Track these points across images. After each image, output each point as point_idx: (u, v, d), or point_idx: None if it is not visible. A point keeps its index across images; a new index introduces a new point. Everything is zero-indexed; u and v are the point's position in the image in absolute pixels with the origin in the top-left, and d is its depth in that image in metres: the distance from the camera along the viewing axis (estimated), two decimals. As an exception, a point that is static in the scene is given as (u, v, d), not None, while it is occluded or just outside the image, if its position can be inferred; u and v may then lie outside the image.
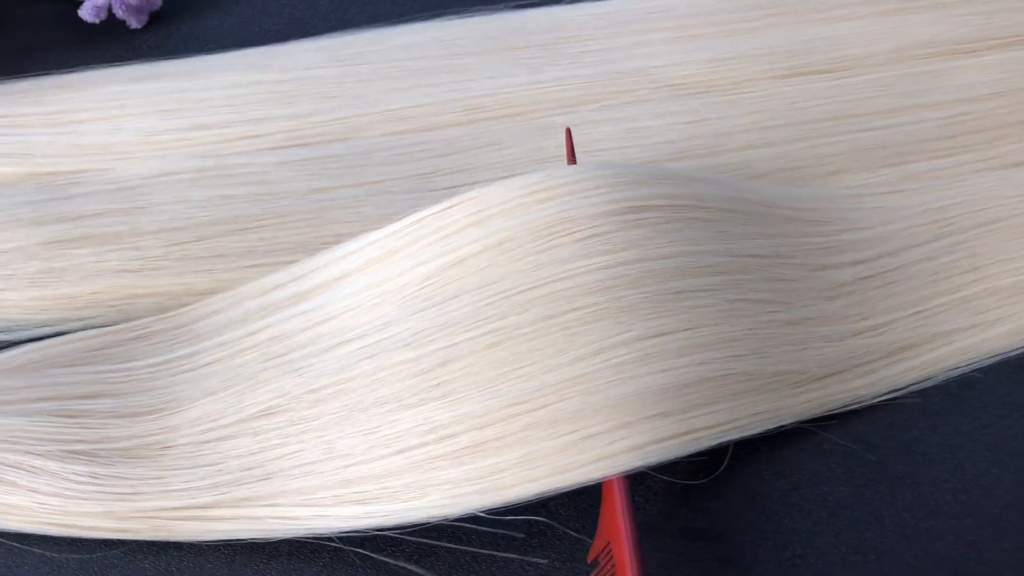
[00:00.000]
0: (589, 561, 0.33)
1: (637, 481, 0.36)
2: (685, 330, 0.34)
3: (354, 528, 0.34)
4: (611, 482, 0.32)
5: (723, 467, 0.36)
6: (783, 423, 0.35)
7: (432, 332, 0.34)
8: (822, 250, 0.40)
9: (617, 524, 0.31)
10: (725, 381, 0.34)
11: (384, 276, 0.36)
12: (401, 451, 0.33)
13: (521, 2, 0.51)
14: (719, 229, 0.37)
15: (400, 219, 0.37)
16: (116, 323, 0.39)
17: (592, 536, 0.33)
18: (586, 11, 0.51)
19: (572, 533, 0.35)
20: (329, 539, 0.34)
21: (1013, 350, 0.40)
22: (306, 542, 0.35)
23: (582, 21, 0.50)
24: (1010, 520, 0.36)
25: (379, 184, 0.43)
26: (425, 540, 0.34)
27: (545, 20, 0.50)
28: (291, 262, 0.40)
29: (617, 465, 0.32)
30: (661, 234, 0.35)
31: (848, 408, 0.37)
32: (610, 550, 0.32)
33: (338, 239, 0.41)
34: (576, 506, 0.35)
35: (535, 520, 0.34)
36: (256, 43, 0.49)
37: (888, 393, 0.38)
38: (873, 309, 0.39)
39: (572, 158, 0.39)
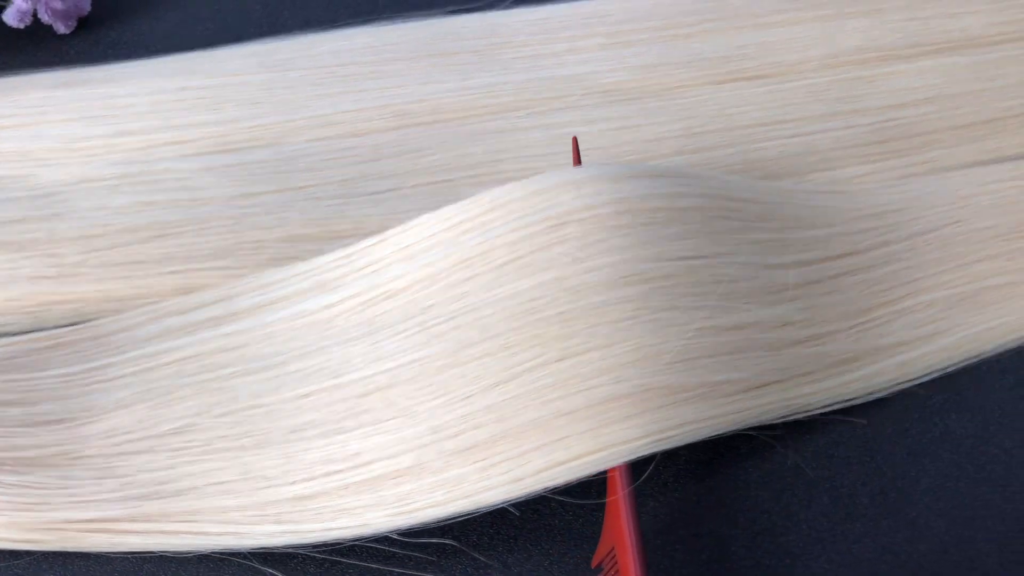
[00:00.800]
0: (593, 566, 0.33)
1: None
2: (601, 348, 0.33)
3: (268, 546, 0.34)
4: (615, 488, 0.32)
5: (642, 478, 0.35)
6: (717, 432, 0.35)
7: (355, 363, 0.35)
8: (767, 247, 0.39)
9: (621, 530, 0.32)
10: (644, 396, 0.33)
11: (312, 306, 0.37)
12: (316, 477, 0.34)
13: (458, 7, 0.51)
14: (647, 235, 0.36)
15: (326, 254, 0.38)
16: (32, 330, 0.39)
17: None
18: (522, 17, 0.50)
19: (480, 557, 0.35)
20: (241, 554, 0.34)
21: (950, 365, 0.39)
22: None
23: (517, 27, 0.50)
24: (927, 522, 0.35)
25: (303, 190, 0.43)
26: (335, 558, 0.34)
27: (480, 26, 0.50)
28: (210, 268, 0.40)
29: (525, 487, 0.32)
30: (579, 248, 0.35)
31: (790, 418, 0.37)
32: (614, 555, 0.32)
33: (259, 245, 0.41)
34: (484, 531, 0.35)
35: (444, 543, 0.34)
36: (186, 48, 0.48)
37: (830, 405, 0.37)
38: (816, 317, 0.39)
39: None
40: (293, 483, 0.34)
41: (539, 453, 0.32)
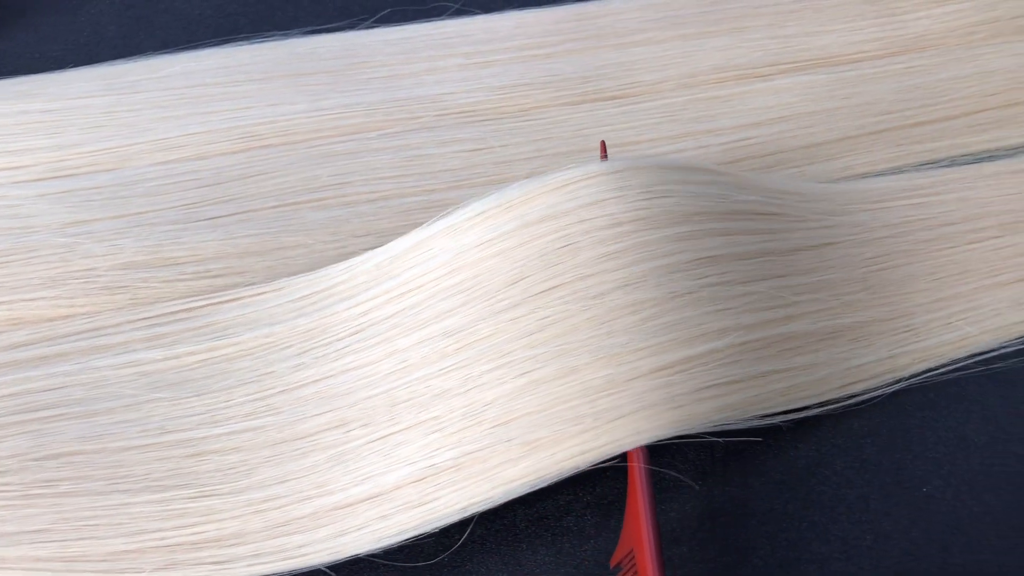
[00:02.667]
0: (611, 566, 0.33)
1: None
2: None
3: None
4: (635, 489, 0.32)
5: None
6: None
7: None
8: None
9: (640, 532, 0.32)
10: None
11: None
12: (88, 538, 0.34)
13: (317, 27, 0.50)
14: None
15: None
16: None
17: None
18: (381, 37, 0.50)
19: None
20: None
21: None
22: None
23: (375, 47, 0.49)
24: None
25: (140, 215, 0.42)
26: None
27: (338, 46, 0.49)
28: (39, 299, 0.39)
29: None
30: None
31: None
32: (633, 557, 0.32)
33: (90, 274, 0.40)
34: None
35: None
36: (36, 70, 0.47)
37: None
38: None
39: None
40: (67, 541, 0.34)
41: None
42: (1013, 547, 0.35)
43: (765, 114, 0.48)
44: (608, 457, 0.33)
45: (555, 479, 0.33)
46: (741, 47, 0.51)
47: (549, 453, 0.33)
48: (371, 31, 0.50)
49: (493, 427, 0.34)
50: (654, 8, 0.52)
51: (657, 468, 0.34)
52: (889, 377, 0.39)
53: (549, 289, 0.35)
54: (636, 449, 0.33)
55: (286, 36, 0.50)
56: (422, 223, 0.42)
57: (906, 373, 0.39)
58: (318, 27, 0.50)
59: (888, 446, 0.38)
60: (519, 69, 0.49)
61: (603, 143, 0.41)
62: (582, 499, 0.36)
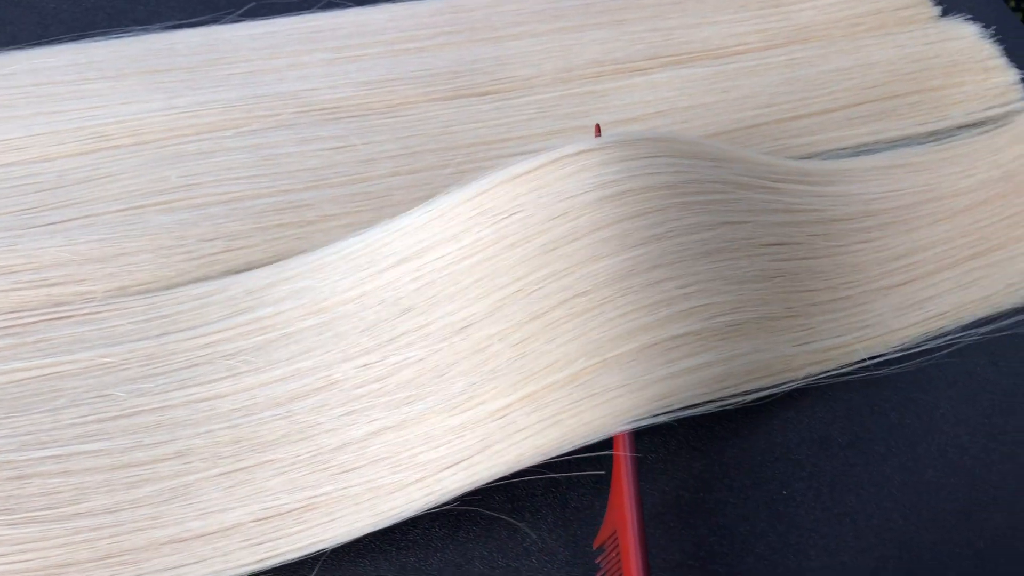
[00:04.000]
0: (595, 548, 0.33)
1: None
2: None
3: None
4: (619, 472, 0.32)
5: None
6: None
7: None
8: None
9: (624, 514, 0.32)
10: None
11: None
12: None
13: (179, 22, 0.48)
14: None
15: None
16: None
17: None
18: (245, 31, 0.48)
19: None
20: None
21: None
22: None
23: (239, 41, 0.47)
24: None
25: (-26, 222, 0.40)
26: None
27: (198, 41, 0.47)
28: None
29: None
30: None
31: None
32: (616, 538, 0.32)
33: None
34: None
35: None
36: None
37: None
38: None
39: None
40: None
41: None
42: (870, 547, 0.34)
43: (641, 109, 0.47)
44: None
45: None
46: (621, 40, 0.49)
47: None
48: (235, 25, 0.48)
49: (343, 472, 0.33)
50: (534, 0, 0.51)
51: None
52: (785, 377, 0.38)
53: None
54: (622, 435, 0.33)
55: (146, 31, 0.48)
56: (276, 225, 0.40)
57: (801, 374, 0.38)
58: (180, 22, 0.48)
59: (750, 447, 0.37)
60: (388, 64, 0.47)
61: (597, 126, 0.40)
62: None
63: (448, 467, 0.33)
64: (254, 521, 0.33)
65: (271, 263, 0.39)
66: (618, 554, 0.32)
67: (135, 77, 0.45)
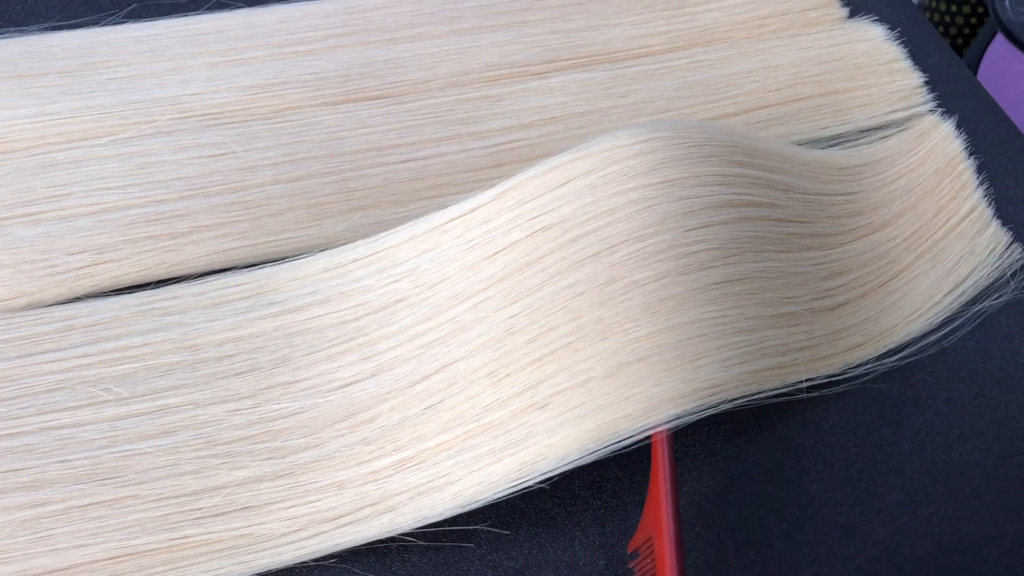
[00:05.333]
0: (629, 551, 0.33)
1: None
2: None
3: None
4: (656, 477, 0.32)
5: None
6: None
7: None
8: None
9: (660, 520, 0.31)
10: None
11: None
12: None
13: (58, 23, 0.46)
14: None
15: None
16: None
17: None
18: (127, 33, 0.46)
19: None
20: None
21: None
22: None
23: (119, 45, 0.46)
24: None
25: None
26: None
27: (76, 43, 0.45)
28: None
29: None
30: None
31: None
32: (651, 543, 0.31)
33: None
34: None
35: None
36: None
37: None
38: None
39: None
40: None
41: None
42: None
43: (536, 115, 0.45)
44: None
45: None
46: (519, 43, 0.48)
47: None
48: (117, 27, 0.46)
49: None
50: (432, 1, 0.49)
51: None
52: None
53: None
54: (661, 435, 0.32)
55: (22, 32, 0.46)
56: (146, 237, 0.39)
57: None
58: (60, 23, 0.46)
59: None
60: (275, 67, 0.46)
61: None
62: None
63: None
64: (108, 559, 0.31)
65: (139, 276, 0.38)
66: (653, 561, 0.31)
67: (6, 81, 0.43)
